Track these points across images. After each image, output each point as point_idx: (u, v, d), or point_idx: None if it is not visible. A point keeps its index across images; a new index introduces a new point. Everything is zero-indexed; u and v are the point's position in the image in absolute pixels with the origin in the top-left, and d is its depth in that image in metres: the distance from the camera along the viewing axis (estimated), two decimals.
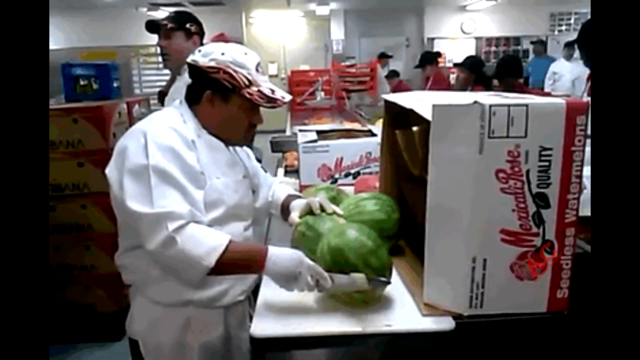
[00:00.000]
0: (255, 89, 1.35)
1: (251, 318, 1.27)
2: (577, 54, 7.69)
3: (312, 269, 1.21)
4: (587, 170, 1.06)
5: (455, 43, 10.32)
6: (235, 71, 1.33)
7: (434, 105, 1.09)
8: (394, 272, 1.30)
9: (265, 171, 1.69)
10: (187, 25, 2.46)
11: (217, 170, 1.36)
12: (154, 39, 2.49)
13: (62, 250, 2.94)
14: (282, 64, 10.65)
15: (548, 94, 6.15)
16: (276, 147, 3.50)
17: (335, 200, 1.56)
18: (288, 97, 1.39)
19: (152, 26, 2.49)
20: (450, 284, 1.16)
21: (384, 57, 7.85)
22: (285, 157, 3.10)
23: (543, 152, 1.08)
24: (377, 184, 1.79)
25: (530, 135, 1.07)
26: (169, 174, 1.24)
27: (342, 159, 2.17)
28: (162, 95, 2.92)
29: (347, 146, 2.20)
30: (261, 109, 1.41)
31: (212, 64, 1.32)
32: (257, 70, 1.37)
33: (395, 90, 6.46)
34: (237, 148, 1.50)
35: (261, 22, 10.70)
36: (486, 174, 1.08)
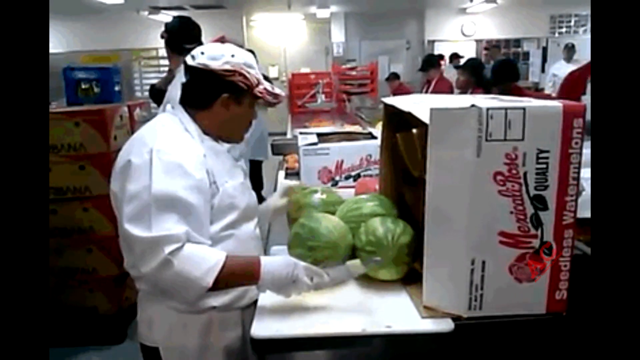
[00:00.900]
0: (262, 87, 1.37)
1: None
2: (577, 55, 7.71)
3: (307, 269, 1.23)
4: (585, 172, 1.07)
5: (455, 45, 10.33)
6: (248, 72, 1.34)
7: (431, 109, 1.10)
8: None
9: None
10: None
11: (225, 175, 1.36)
12: (155, 42, 2.50)
13: (64, 253, 2.95)
14: (283, 66, 10.67)
15: (548, 96, 6.14)
16: (277, 149, 3.51)
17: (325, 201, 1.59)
18: (283, 92, 1.44)
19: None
20: (449, 285, 1.17)
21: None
22: (286, 159, 3.11)
23: (540, 155, 1.08)
24: (377, 187, 1.80)
25: (527, 138, 1.07)
26: (172, 195, 1.21)
27: (342, 161, 2.17)
28: (155, 91, 2.94)
29: (348, 149, 2.20)
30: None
31: (227, 67, 1.31)
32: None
33: (395, 92, 6.46)
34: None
35: (262, 25, 10.73)
36: (484, 176, 1.09)
